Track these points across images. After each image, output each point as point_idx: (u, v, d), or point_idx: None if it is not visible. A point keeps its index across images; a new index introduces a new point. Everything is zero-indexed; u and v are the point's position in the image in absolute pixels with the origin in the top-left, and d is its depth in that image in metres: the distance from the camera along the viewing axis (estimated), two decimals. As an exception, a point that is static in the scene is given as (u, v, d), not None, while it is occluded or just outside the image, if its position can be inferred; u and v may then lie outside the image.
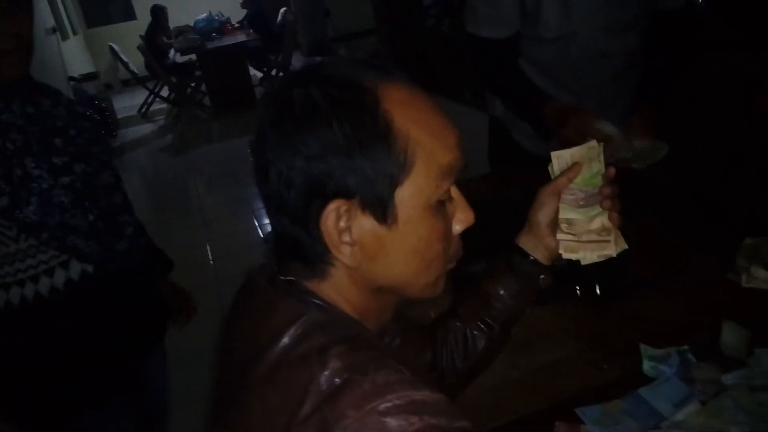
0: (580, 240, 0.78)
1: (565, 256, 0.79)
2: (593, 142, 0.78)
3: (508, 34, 1.47)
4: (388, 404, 0.47)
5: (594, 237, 0.78)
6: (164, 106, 7.22)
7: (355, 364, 0.50)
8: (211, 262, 3.51)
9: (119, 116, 6.92)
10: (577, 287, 1.14)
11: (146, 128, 6.92)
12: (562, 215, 0.79)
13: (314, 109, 0.54)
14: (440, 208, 0.58)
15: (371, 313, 0.62)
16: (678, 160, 1.30)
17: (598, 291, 1.13)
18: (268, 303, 0.59)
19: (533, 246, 0.82)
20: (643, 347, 0.97)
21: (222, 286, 3.13)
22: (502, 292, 0.83)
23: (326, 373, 0.50)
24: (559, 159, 0.80)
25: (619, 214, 0.78)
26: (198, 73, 6.91)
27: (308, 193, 0.54)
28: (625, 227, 0.80)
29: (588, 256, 0.78)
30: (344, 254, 0.56)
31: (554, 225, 0.79)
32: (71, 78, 6.08)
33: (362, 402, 0.47)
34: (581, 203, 0.78)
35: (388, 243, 0.56)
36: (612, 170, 0.78)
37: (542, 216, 0.80)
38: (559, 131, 1.32)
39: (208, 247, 3.65)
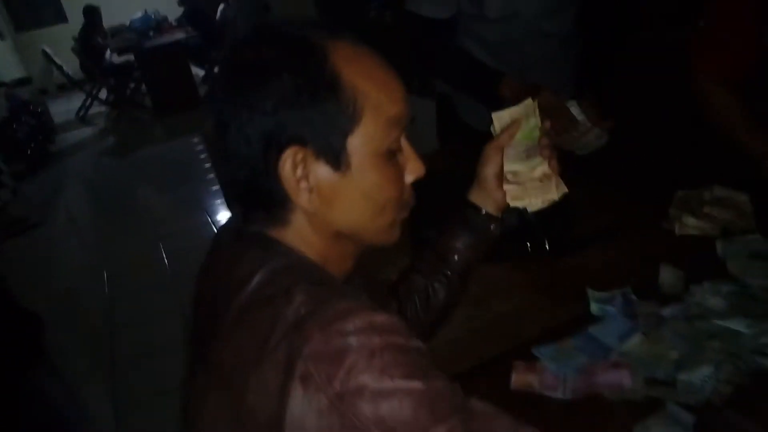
0: (525, 187, 0.84)
1: (513, 204, 0.85)
2: (528, 100, 0.85)
3: (449, 14, 1.50)
4: (350, 325, 0.52)
5: (537, 184, 0.84)
6: (103, 108, 7.01)
7: (318, 295, 0.55)
8: (166, 261, 3.46)
9: (56, 121, 6.69)
10: (528, 243, 1.21)
11: (85, 132, 6.70)
12: (507, 168, 0.85)
13: (265, 66, 0.58)
14: (391, 157, 0.63)
15: (333, 259, 0.66)
16: (618, 130, 1.37)
17: (547, 246, 1.20)
18: (235, 253, 0.63)
19: (483, 199, 0.88)
20: (590, 291, 1.04)
21: (179, 283, 3.09)
22: (458, 245, 0.88)
23: (292, 306, 0.54)
24: (500, 119, 0.86)
25: (558, 161, 0.84)
26: (137, 73, 6.73)
27: (265, 145, 0.58)
28: (570, 187, 0.86)
29: (533, 202, 0.84)
30: (303, 199, 0.60)
31: (500, 177, 0.85)
32: (2, 83, 5.84)
33: (326, 325, 0.52)
34: (523, 155, 0.84)
35: (342, 188, 0.61)
36: (548, 123, 0.85)
37: (489, 170, 0.86)
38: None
39: (162, 247, 3.59)
